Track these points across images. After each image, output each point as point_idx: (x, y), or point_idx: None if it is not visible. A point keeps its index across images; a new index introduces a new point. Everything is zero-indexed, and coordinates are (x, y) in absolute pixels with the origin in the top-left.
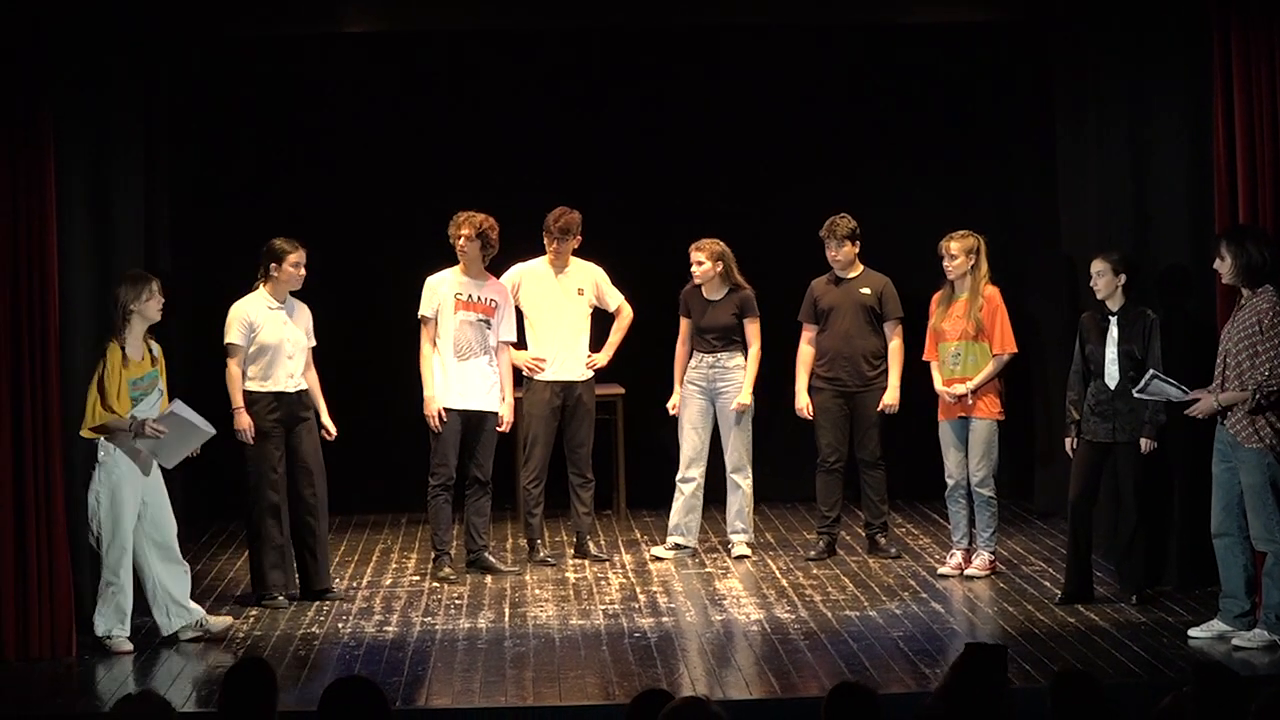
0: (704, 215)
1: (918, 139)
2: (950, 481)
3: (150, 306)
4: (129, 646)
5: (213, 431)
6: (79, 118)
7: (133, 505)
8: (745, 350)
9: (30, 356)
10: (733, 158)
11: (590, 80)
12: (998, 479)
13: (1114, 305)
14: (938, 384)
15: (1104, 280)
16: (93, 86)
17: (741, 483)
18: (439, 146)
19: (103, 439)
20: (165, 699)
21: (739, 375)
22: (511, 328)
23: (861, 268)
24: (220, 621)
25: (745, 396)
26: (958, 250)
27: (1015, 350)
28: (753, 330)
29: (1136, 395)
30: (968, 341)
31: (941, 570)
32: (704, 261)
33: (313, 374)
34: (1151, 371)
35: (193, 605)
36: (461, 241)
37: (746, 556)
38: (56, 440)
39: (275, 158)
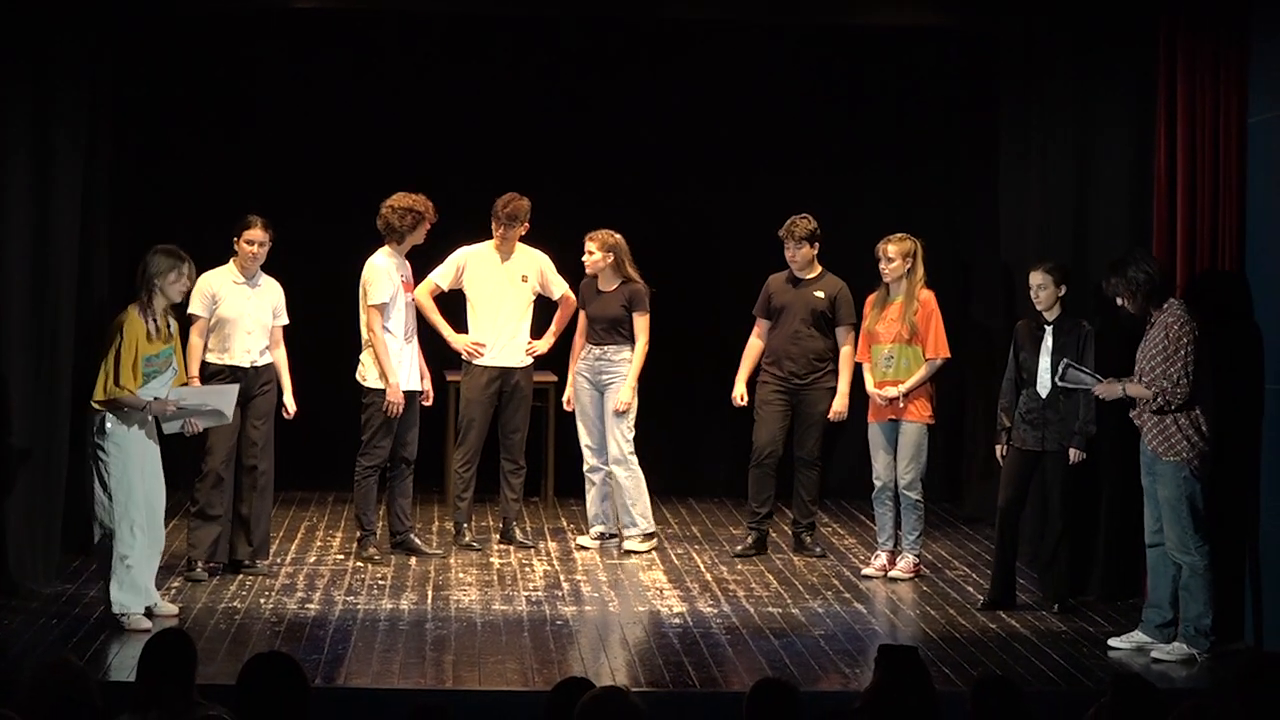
0: (652, 210)
1: (861, 141)
2: (877, 483)
3: (175, 288)
4: (148, 624)
5: (229, 420)
6: (21, 89)
7: (140, 478)
8: (634, 345)
9: None
10: (681, 154)
11: (544, 70)
12: (926, 482)
13: (1051, 315)
14: (869, 385)
15: (1046, 292)
16: (37, 56)
17: (622, 478)
18: (384, 127)
19: (109, 414)
20: (82, 665)
21: (625, 368)
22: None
23: (819, 270)
24: (168, 608)
25: (625, 394)
26: (895, 253)
27: (948, 355)
28: (640, 324)
29: (1059, 383)
30: (901, 345)
31: (865, 571)
32: (594, 252)
33: (281, 351)
34: (1065, 361)
35: (153, 589)
36: (427, 225)
37: (638, 552)
38: None
39: (219, 132)
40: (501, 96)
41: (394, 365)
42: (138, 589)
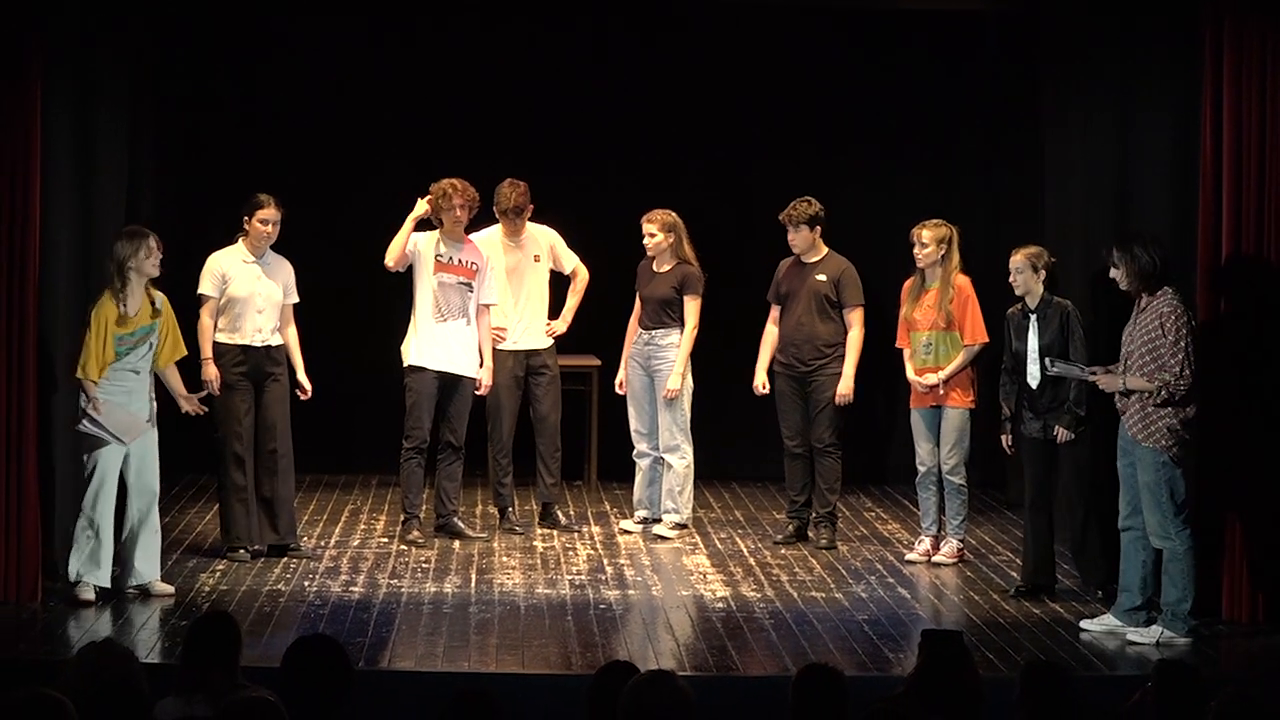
0: (694, 193)
1: (903, 125)
2: (921, 469)
3: (147, 263)
4: (91, 596)
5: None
6: (65, 65)
7: (115, 453)
8: (683, 328)
9: (9, 302)
10: (718, 136)
11: (574, 52)
12: (969, 467)
13: (1032, 302)
14: (909, 373)
15: (1022, 277)
16: (78, 35)
17: (675, 463)
18: (413, 108)
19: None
20: (128, 647)
21: (673, 353)
22: (492, 291)
23: (825, 252)
24: (163, 588)
25: (674, 381)
26: (929, 239)
27: (986, 340)
28: (691, 308)
29: (1050, 373)
30: (939, 331)
31: (909, 556)
32: (655, 234)
33: (292, 330)
34: (1050, 360)
35: (152, 567)
36: (457, 212)
37: (665, 538)
38: (31, 386)
39: (259, 109)
40: (527, 75)
41: (420, 340)
42: (96, 560)
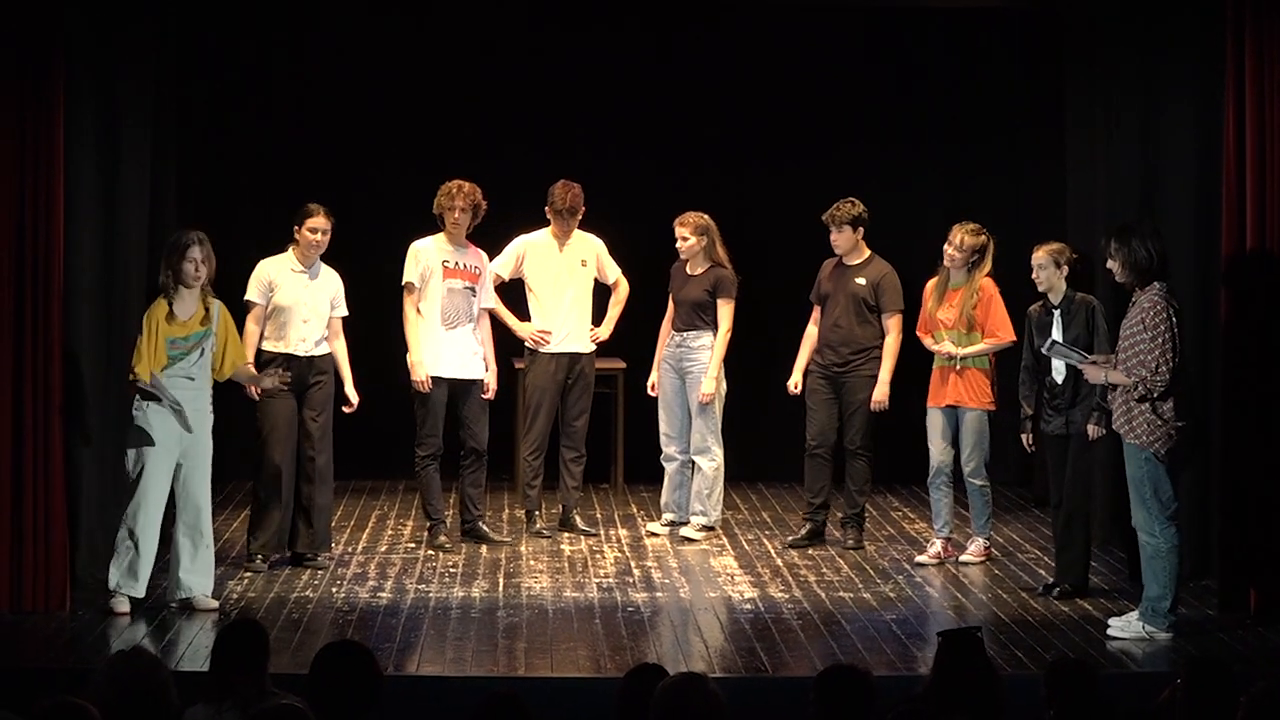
0: (708, 194)
1: (925, 123)
2: (933, 468)
3: (186, 270)
4: (126, 608)
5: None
6: (88, 76)
7: (164, 464)
8: (716, 331)
9: (34, 313)
10: (740, 136)
11: (597, 51)
12: (997, 465)
13: (1055, 298)
14: (930, 345)
15: (1045, 274)
16: (102, 44)
17: (705, 465)
18: (437, 116)
19: (137, 396)
20: (157, 656)
21: (704, 356)
22: (491, 294)
23: (866, 254)
24: (208, 603)
25: (708, 385)
26: (967, 244)
27: (1014, 339)
28: (724, 311)
29: (1045, 353)
30: (961, 332)
31: (919, 559)
32: (688, 237)
33: (340, 342)
34: (1050, 341)
35: (200, 580)
36: (456, 214)
37: (693, 540)
38: (57, 395)
39: (283, 116)
40: (557, 80)
41: (420, 346)
42: (134, 572)
